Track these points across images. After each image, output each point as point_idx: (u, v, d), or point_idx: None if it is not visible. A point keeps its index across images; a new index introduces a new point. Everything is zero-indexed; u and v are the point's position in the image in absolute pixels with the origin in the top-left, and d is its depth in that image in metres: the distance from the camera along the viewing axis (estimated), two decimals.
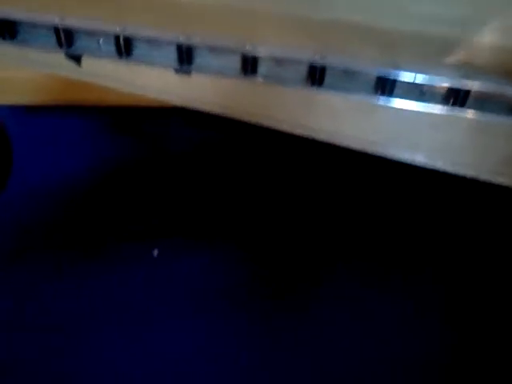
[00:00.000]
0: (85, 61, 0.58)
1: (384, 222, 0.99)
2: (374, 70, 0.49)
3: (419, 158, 0.56)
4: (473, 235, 0.96)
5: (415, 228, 0.97)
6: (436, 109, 0.51)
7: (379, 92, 0.51)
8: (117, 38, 0.53)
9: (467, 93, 0.47)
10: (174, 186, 1.06)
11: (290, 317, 0.86)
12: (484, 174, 0.57)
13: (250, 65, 0.52)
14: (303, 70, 0.52)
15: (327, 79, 0.52)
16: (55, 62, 0.59)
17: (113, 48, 0.54)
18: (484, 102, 0.49)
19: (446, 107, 0.50)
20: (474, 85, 0.47)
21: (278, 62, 0.52)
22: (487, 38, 0.49)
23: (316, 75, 0.51)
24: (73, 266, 0.92)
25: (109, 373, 0.79)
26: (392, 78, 0.49)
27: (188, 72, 0.55)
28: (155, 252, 0.95)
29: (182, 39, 0.51)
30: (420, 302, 0.87)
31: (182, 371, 0.79)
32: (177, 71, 0.55)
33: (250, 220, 1.00)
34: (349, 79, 0.52)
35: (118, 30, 0.52)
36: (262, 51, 0.50)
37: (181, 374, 0.79)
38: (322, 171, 1.08)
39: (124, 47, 0.54)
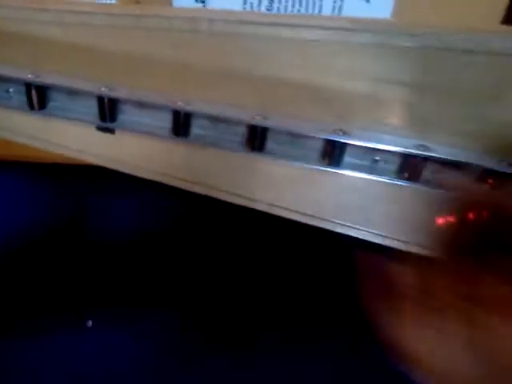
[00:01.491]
0: None
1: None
2: (321, 136, 0.44)
3: (370, 237, 0.50)
4: None
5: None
6: (390, 181, 0.45)
7: (326, 161, 0.45)
8: (28, 86, 0.46)
9: (423, 163, 0.42)
10: (105, 251, 0.97)
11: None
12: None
13: (181, 124, 0.45)
14: (242, 132, 0.46)
15: (269, 144, 0.46)
16: None
17: (24, 98, 0.47)
18: (442, 175, 0.44)
19: (401, 180, 0.45)
20: (432, 154, 0.42)
21: (214, 121, 0.46)
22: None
23: (256, 138, 0.45)
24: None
25: None
26: (341, 145, 0.44)
27: (111, 130, 0.48)
28: (89, 323, 0.87)
29: (105, 91, 0.45)
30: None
31: None
32: (98, 128, 0.48)
33: (184, 287, 0.93)
34: (293, 145, 0.46)
35: (29, 77, 0.45)
36: (195, 108, 0.44)
37: None
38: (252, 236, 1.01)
39: (37, 98, 0.46)
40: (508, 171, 0.40)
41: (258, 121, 0.44)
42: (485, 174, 0.41)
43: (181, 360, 0.83)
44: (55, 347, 0.82)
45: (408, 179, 0.44)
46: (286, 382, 0.79)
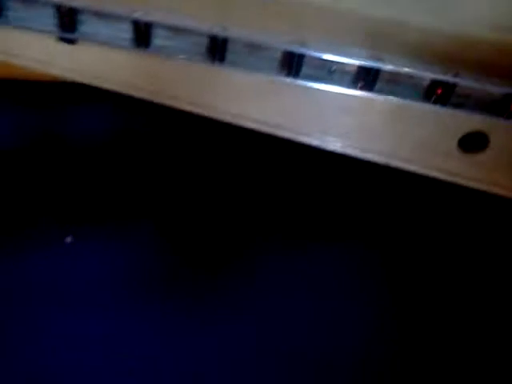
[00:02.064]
0: None
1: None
2: (281, 46, 0.45)
3: (329, 144, 0.53)
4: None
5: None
6: (346, 91, 0.47)
7: (285, 70, 0.46)
8: None
9: (377, 73, 0.44)
10: (85, 168, 0.98)
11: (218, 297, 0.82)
12: (395, 161, 0.55)
13: (142, 34, 0.46)
14: (203, 43, 0.46)
15: (229, 55, 0.47)
16: None
17: None
18: (394, 86, 0.46)
19: (356, 89, 0.47)
20: (384, 65, 0.43)
21: (175, 32, 0.46)
22: (408, 17, 0.46)
23: (217, 49, 0.46)
24: None
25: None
26: (299, 54, 0.45)
27: (72, 41, 0.48)
28: (68, 239, 0.89)
29: (62, 0, 0.44)
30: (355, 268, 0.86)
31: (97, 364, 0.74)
32: (60, 39, 0.48)
33: (165, 202, 0.95)
34: (253, 55, 0.47)
35: None
36: (155, 18, 0.45)
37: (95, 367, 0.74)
38: (221, 146, 1.03)
39: None
40: (453, 82, 0.42)
41: (218, 31, 0.45)
42: (433, 84, 0.44)
43: (162, 273, 0.86)
44: (36, 263, 0.85)
45: (362, 88, 0.46)
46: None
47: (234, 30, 0.45)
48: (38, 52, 0.49)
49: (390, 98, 0.47)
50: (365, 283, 0.85)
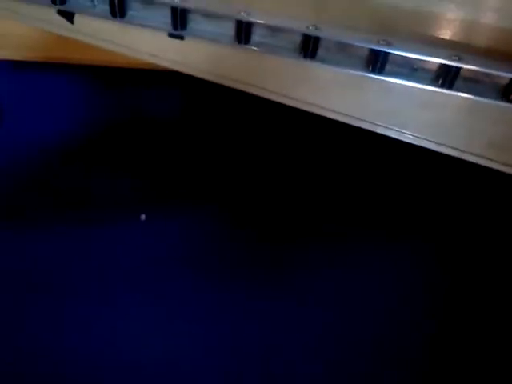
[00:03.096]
0: (77, 19, 0.57)
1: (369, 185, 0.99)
2: (367, 45, 0.50)
3: (406, 137, 0.57)
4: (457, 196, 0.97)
5: (404, 190, 0.98)
6: (426, 87, 0.51)
7: (370, 67, 0.51)
8: None
9: (457, 72, 0.48)
10: (160, 150, 1.06)
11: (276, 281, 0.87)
12: (468, 156, 0.58)
13: (243, 32, 0.52)
14: (297, 41, 0.52)
15: (320, 51, 0.52)
16: (47, 18, 0.58)
17: (107, 7, 0.54)
18: (474, 84, 0.50)
19: (436, 86, 0.51)
20: (464, 64, 0.47)
21: (272, 30, 0.52)
22: (485, 19, 0.50)
23: (309, 46, 0.51)
24: (54, 225, 0.92)
25: (84, 331, 0.79)
26: (384, 53, 0.49)
27: (181, 37, 0.55)
28: (143, 216, 0.95)
29: (177, 2, 0.51)
30: (410, 258, 0.88)
31: (161, 333, 0.80)
32: (170, 35, 0.55)
33: (234, 183, 1.01)
34: (341, 53, 0.52)
35: None
36: (256, 18, 0.50)
37: (157, 336, 0.80)
38: (302, 136, 1.07)
39: (118, 7, 0.53)
40: None
41: (311, 31, 0.50)
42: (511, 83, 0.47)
43: (230, 251, 0.91)
44: (111, 239, 0.92)
45: (442, 86, 0.50)
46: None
47: (326, 29, 0.50)
48: (151, 47, 0.56)
49: (468, 95, 0.51)
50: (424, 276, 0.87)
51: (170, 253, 0.92)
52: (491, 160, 0.58)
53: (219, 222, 0.97)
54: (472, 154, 0.57)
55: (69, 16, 0.56)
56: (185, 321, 0.83)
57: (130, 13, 0.54)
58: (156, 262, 0.90)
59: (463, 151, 0.57)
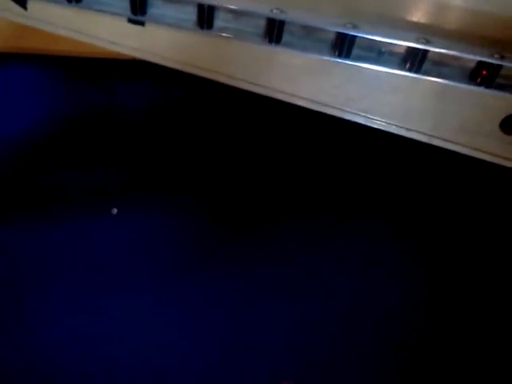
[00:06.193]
0: (32, 5, 0.54)
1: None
2: (333, 28, 0.48)
3: (375, 122, 0.56)
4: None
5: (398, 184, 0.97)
6: (394, 72, 0.50)
7: (337, 52, 0.50)
8: None
9: (425, 55, 0.47)
10: (130, 141, 1.03)
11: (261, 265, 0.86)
12: (438, 141, 0.57)
13: (205, 17, 0.50)
14: (261, 25, 0.50)
15: (285, 36, 0.50)
16: (4, 7, 0.55)
17: None
18: (442, 67, 0.49)
19: (403, 70, 0.50)
20: (431, 47, 0.46)
21: (236, 14, 0.50)
22: (454, 0, 0.49)
23: (274, 31, 0.49)
24: (26, 220, 0.90)
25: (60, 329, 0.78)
26: (350, 37, 0.48)
27: (141, 22, 0.53)
28: (114, 210, 0.94)
29: None
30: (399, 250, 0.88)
31: (137, 332, 0.79)
32: (130, 21, 0.53)
33: (207, 175, 0.99)
34: (307, 38, 0.50)
35: None
36: (218, 2, 0.48)
37: (134, 334, 0.79)
38: (276, 125, 1.05)
39: None
40: (500, 63, 0.45)
41: (276, 14, 0.48)
42: (479, 66, 0.46)
43: (202, 248, 0.90)
44: (82, 233, 0.89)
45: (410, 69, 0.49)
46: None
47: (291, 12, 0.49)
48: (109, 33, 0.54)
49: (436, 79, 0.50)
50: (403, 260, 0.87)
51: (141, 247, 0.91)
52: (462, 145, 0.57)
53: (192, 215, 0.96)
54: (442, 139, 0.56)
55: (22, 2, 0.54)
56: (157, 315, 0.82)
57: None
58: (128, 255, 0.89)
59: (433, 136, 0.57)
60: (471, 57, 0.47)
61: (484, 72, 0.47)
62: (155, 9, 0.52)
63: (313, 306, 0.81)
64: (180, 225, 0.94)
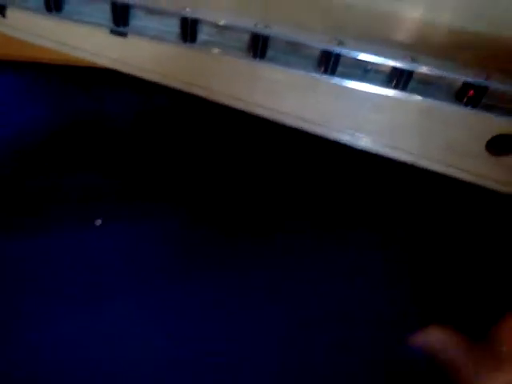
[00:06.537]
0: (11, 13, 0.53)
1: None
2: (319, 45, 0.47)
3: (360, 141, 0.55)
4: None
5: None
6: (379, 90, 0.49)
7: (322, 68, 0.49)
8: None
9: (410, 74, 0.46)
10: (119, 148, 1.01)
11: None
12: (424, 161, 0.56)
13: (189, 30, 0.49)
14: (246, 40, 0.49)
15: (270, 51, 0.49)
16: None
17: (41, 1, 0.50)
18: (428, 86, 0.48)
19: (389, 88, 0.49)
20: (418, 66, 0.45)
21: (220, 28, 0.49)
22: (440, 18, 0.48)
23: (258, 45, 0.48)
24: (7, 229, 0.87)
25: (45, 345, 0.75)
26: (335, 54, 0.47)
27: (124, 34, 0.51)
28: (98, 221, 0.92)
29: None
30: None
31: (129, 345, 0.77)
32: (112, 32, 0.52)
33: (192, 184, 0.97)
34: (292, 53, 0.49)
35: None
36: (202, 15, 0.47)
37: (127, 348, 0.76)
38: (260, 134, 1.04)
39: (53, 1, 0.49)
40: (486, 84, 0.44)
41: (260, 29, 0.47)
42: (465, 86, 0.45)
43: (190, 254, 0.89)
44: (65, 244, 0.87)
45: (396, 87, 0.48)
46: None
47: (276, 28, 0.48)
48: (91, 44, 0.53)
49: (422, 98, 0.49)
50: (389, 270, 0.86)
51: (126, 258, 0.89)
52: (449, 166, 0.56)
53: (178, 225, 0.94)
54: (428, 159, 0.55)
55: (0, 9, 0.52)
56: (143, 323, 0.80)
57: (66, 7, 0.51)
58: (112, 267, 0.87)
59: (419, 156, 0.56)
60: (458, 76, 0.46)
61: (471, 92, 0.47)
62: (138, 20, 0.51)
63: (297, 313, 0.80)
64: (167, 231, 0.93)
